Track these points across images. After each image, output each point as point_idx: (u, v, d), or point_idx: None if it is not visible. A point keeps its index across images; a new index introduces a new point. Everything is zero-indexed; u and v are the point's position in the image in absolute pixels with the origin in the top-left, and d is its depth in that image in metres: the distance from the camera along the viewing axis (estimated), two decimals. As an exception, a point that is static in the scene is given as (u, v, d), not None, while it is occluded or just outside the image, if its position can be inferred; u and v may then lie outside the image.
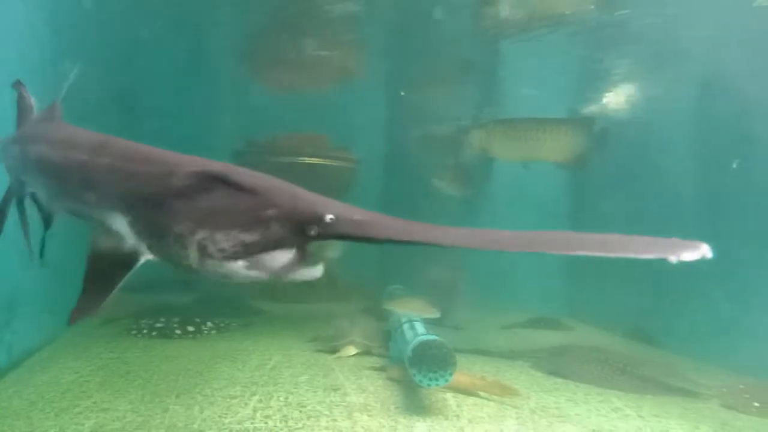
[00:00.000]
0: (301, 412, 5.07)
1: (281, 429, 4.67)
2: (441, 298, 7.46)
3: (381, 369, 6.41)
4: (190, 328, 7.18)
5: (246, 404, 5.18)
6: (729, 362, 7.58)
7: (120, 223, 2.38)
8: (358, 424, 4.87)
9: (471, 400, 5.58)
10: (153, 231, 2.27)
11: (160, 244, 2.25)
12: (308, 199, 2.10)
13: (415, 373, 5.30)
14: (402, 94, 10.77)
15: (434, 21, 9.34)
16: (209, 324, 7.47)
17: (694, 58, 8.86)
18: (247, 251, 2.02)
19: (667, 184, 9.48)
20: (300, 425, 4.76)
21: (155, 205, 2.24)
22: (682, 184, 9.39)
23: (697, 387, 6.36)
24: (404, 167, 10.45)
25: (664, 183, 9.48)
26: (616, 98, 10.34)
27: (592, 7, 8.40)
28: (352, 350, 7.02)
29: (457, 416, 5.17)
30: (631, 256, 1.47)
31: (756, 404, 6.30)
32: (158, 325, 7.18)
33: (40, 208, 3.23)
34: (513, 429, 4.91)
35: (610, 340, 9.00)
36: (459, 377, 5.66)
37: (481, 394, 5.69)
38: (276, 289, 9.56)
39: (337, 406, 5.27)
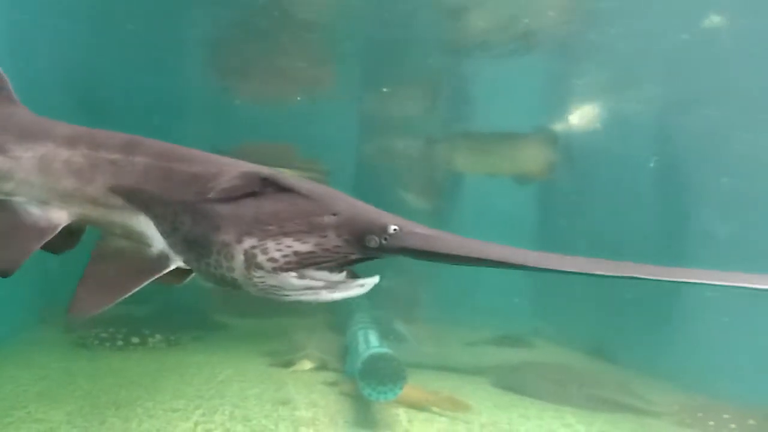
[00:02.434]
0: (245, 426, 4.92)
1: (221, 443, 4.52)
2: (401, 312, 7.39)
3: (335, 383, 6.29)
4: (135, 340, 6.98)
5: (188, 418, 5.00)
6: (685, 381, 7.64)
7: (148, 228, 2.13)
8: (303, 438, 4.74)
9: (423, 415, 5.49)
10: (192, 238, 2.01)
11: (199, 253, 2.00)
12: (369, 208, 1.92)
13: (364, 386, 5.20)
14: (384, 90, 10.70)
15: (404, 35, 9.42)
16: (158, 336, 7.26)
17: (653, 78, 9.08)
18: (301, 262, 1.83)
19: (629, 199, 9.64)
20: (242, 439, 4.62)
21: (197, 211, 2.00)
22: (642, 199, 9.55)
23: (650, 404, 6.37)
24: (373, 179, 10.43)
25: (625, 197, 9.63)
26: (582, 114, 10.52)
27: (561, 24, 8.56)
28: (307, 364, 6.89)
29: (407, 431, 5.07)
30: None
31: (711, 423, 6.35)
32: (103, 335, 6.94)
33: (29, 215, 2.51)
34: (461, 445, 4.84)
35: (570, 358, 9.01)
36: (412, 392, 5.59)
37: (434, 409, 5.61)
38: (238, 301, 9.38)
39: (284, 420, 5.13)
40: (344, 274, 1.90)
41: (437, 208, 9.65)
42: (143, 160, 2.20)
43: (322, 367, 6.89)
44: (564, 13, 7.96)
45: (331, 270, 1.88)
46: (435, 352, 8.16)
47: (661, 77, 9.17)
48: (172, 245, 2.08)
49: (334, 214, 1.85)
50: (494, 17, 8.26)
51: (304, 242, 1.83)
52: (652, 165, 8.65)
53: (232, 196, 1.96)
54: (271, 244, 1.85)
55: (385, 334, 6.89)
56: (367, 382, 5.20)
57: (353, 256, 1.84)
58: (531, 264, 1.58)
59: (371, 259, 1.88)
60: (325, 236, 1.82)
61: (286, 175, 2.04)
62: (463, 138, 8.09)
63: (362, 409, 5.50)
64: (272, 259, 1.85)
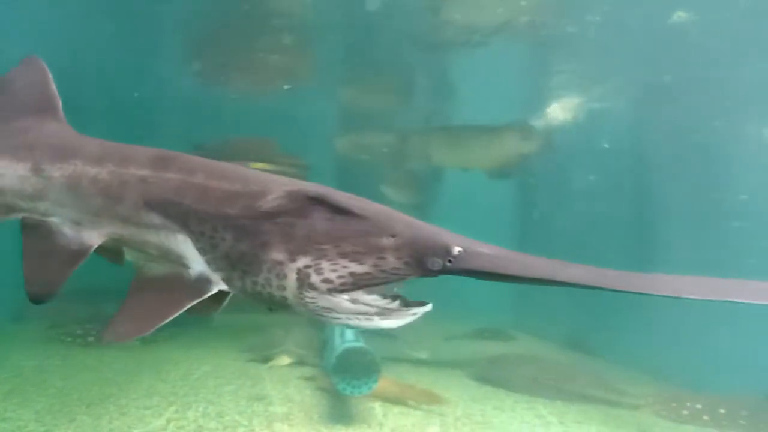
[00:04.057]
0: (218, 422, 4.90)
1: (193, 439, 4.50)
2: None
3: (312, 378, 6.29)
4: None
5: (160, 415, 4.97)
6: (660, 373, 7.76)
7: (186, 247, 2.04)
8: (276, 433, 4.74)
9: (398, 408, 5.51)
10: (236, 255, 1.91)
11: (244, 271, 1.90)
12: (428, 227, 1.84)
13: (338, 381, 5.20)
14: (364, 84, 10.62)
15: (385, 30, 9.39)
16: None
17: (630, 72, 9.16)
18: (356, 284, 1.76)
19: (606, 193, 9.73)
20: (214, 435, 4.60)
21: (241, 228, 1.90)
22: (620, 193, 9.65)
23: (624, 396, 6.46)
24: (354, 173, 10.41)
25: (604, 191, 9.73)
26: (561, 108, 10.58)
27: (536, 14, 8.56)
28: (285, 360, 6.88)
29: (381, 424, 5.10)
30: None
31: (685, 412, 6.46)
32: (79, 332, 6.87)
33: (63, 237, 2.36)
34: (434, 437, 4.87)
35: (549, 351, 9.10)
36: (387, 386, 5.61)
37: (410, 402, 5.63)
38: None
39: (258, 416, 5.11)
40: (398, 302, 1.83)
41: (418, 202, 9.67)
42: (176, 176, 2.10)
43: (300, 362, 6.88)
44: (539, 3, 7.96)
45: (386, 291, 1.81)
46: (413, 345, 8.16)
47: (636, 68, 9.24)
48: (211, 262, 1.98)
49: (393, 236, 1.77)
50: (471, 9, 8.25)
51: (361, 263, 1.76)
52: (606, 146, 8.71)
53: (281, 215, 1.87)
54: (326, 264, 1.78)
55: (373, 331, 6.88)
56: (341, 377, 5.21)
57: (414, 278, 1.77)
58: (607, 285, 1.50)
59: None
60: (383, 258, 1.75)
61: (336, 193, 1.95)
62: (437, 132, 8.08)
63: (338, 403, 5.50)
64: (327, 280, 1.78)
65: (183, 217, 2.02)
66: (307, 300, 1.81)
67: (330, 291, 1.78)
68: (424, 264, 1.72)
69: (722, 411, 6.33)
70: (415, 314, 1.84)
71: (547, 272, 1.56)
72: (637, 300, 1.51)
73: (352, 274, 1.75)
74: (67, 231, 2.27)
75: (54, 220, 2.30)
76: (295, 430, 4.83)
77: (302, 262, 1.79)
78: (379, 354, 5.44)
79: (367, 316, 1.83)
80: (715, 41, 8.06)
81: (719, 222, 9.07)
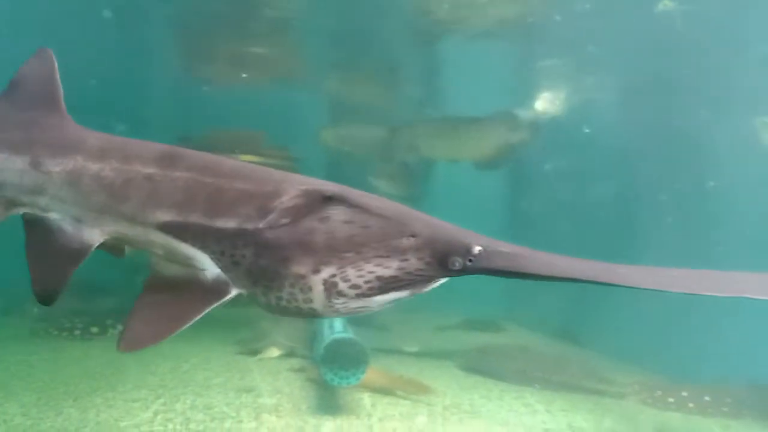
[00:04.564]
0: (206, 414, 4.91)
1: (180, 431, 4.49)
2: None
3: (301, 370, 6.30)
4: (94, 329, 6.87)
5: (148, 407, 4.96)
6: (647, 362, 7.84)
7: (196, 252, 1.96)
8: (264, 425, 4.75)
9: (387, 399, 5.54)
10: (257, 272, 1.84)
11: (267, 287, 1.83)
12: (446, 226, 1.83)
13: (327, 371, 5.22)
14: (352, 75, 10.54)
15: (371, 20, 9.34)
16: (120, 327, 7.15)
17: (616, 63, 9.19)
18: (384, 287, 1.75)
19: (594, 186, 9.79)
20: (201, 428, 4.60)
21: (258, 239, 1.83)
22: (606, 185, 9.70)
23: (611, 385, 6.53)
24: (343, 166, 10.37)
25: (590, 184, 9.78)
26: (549, 99, 10.59)
27: (526, 10, 8.56)
28: (274, 352, 6.87)
29: (369, 415, 5.12)
30: None
31: (670, 400, 6.54)
32: (67, 325, 6.84)
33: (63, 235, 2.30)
34: (422, 426, 4.90)
35: (538, 341, 9.17)
36: (376, 376, 5.62)
37: (398, 392, 5.66)
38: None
39: (246, 407, 5.12)
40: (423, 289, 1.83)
41: (409, 194, 9.66)
42: (184, 175, 2.02)
43: (289, 354, 6.88)
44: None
45: (413, 289, 1.79)
46: (402, 337, 8.19)
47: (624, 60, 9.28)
48: (232, 279, 1.92)
49: (413, 236, 1.75)
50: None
51: (386, 267, 1.74)
52: (587, 131, 8.73)
53: (296, 220, 1.82)
54: (351, 271, 1.75)
55: (365, 323, 6.90)
56: (329, 368, 5.22)
57: (436, 277, 1.77)
58: (624, 282, 1.50)
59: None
60: (406, 260, 1.73)
61: (352, 192, 1.91)
62: (425, 123, 8.06)
63: (327, 394, 5.52)
64: (355, 286, 1.75)
65: (200, 235, 1.93)
66: (338, 306, 1.79)
67: (359, 296, 1.76)
68: (446, 264, 1.71)
69: (707, 399, 6.42)
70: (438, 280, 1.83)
71: (566, 270, 1.57)
72: (625, 290, 1.53)
73: (378, 278, 1.74)
74: (68, 228, 2.21)
75: (54, 216, 2.24)
76: (283, 422, 4.84)
77: (327, 272, 1.75)
78: (368, 345, 5.46)
79: (400, 298, 1.81)
80: (701, 30, 8.11)
81: (700, 212, 9.17)
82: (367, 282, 1.74)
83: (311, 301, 1.79)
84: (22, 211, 2.30)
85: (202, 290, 1.96)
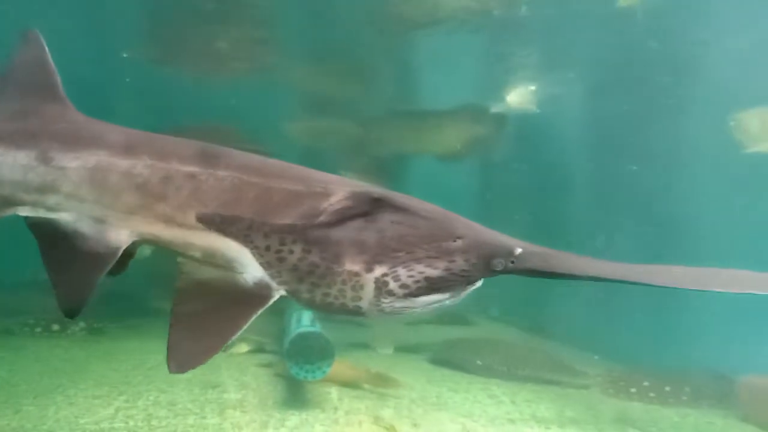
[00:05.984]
0: (169, 410, 4.86)
1: (142, 428, 4.45)
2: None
3: (269, 365, 6.29)
4: (55, 327, 6.74)
5: (109, 404, 4.90)
6: (612, 354, 8.01)
7: (241, 253, 1.89)
8: (228, 420, 4.72)
9: (354, 392, 5.56)
10: (305, 269, 1.82)
11: (314, 284, 1.82)
12: (487, 230, 1.89)
13: (293, 365, 5.21)
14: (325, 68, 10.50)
15: (344, 13, 9.29)
16: (81, 324, 7.02)
17: (582, 59, 9.33)
18: (431, 287, 1.79)
19: (564, 179, 9.93)
20: (164, 424, 4.56)
21: (307, 235, 1.82)
22: (576, 178, 9.85)
23: (575, 376, 6.67)
24: (318, 161, 10.32)
25: (561, 177, 9.92)
26: (520, 93, 10.70)
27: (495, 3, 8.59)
28: (243, 347, 6.84)
29: (335, 408, 5.13)
30: None
31: (633, 390, 6.71)
32: (31, 321, 6.70)
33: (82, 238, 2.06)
34: (387, 418, 4.93)
35: (506, 335, 9.30)
36: (344, 370, 5.64)
37: (365, 386, 5.69)
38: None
39: (210, 403, 5.09)
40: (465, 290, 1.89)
41: (381, 187, 9.67)
42: (229, 174, 1.94)
43: (258, 349, 6.86)
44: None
45: (458, 290, 1.84)
46: (372, 330, 8.22)
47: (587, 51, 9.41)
48: (274, 276, 1.86)
49: (459, 238, 1.81)
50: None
51: (435, 268, 1.78)
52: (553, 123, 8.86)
53: (347, 220, 1.82)
54: (402, 271, 1.78)
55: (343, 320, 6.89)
56: (295, 362, 5.22)
57: (479, 278, 1.82)
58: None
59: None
60: (453, 261, 1.78)
61: (397, 195, 1.93)
62: (392, 117, 8.09)
63: (294, 389, 5.51)
64: (404, 285, 1.79)
65: (247, 229, 1.87)
66: (384, 305, 1.81)
67: (407, 296, 1.80)
68: (490, 265, 1.78)
69: (667, 388, 6.61)
70: (474, 285, 1.88)
71: (591, 270, 1.66)
72: (592, 282, 1.64)
73: (427, 278, 1.78)
74: (88, 230, 2.02)
75: (65, 216, 2.04)
76: (247, 417, 4.83)
77: (379, 271, 1.78)
78: (341, 340, 5.47)
79: (441, 302, 1.86)
80: (664, 21, 8.25)
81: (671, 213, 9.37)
82: (416, 282, 1.78)
83: (360, 299, 1.81)
84: (21, 211, 2.09)
85: (244, 296, 1.89)
